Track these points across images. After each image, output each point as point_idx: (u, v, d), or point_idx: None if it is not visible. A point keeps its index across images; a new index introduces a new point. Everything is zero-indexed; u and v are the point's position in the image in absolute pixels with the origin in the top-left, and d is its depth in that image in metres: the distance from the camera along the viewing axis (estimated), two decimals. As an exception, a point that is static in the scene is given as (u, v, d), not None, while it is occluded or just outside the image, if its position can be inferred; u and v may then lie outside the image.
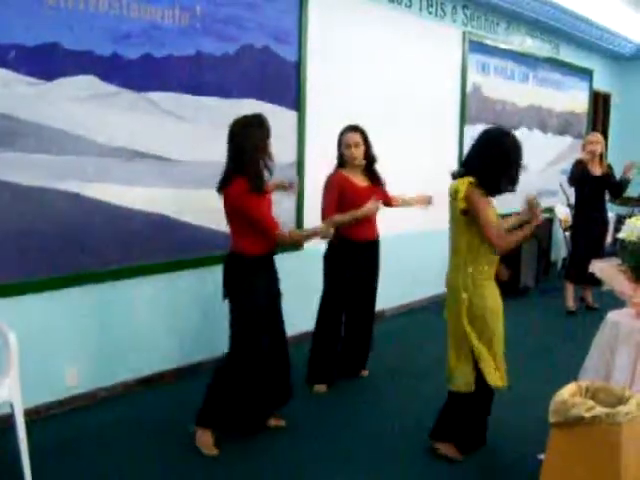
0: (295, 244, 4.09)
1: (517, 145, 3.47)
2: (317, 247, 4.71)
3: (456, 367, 3.58)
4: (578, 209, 6.92)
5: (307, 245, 4.40)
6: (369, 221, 4.62)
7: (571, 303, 7.00)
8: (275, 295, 3.91)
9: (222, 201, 3.70)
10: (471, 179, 3.43)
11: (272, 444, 3.84)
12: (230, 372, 3.78)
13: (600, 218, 6.90)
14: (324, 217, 4.44)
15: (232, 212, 3.69)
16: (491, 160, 3.43)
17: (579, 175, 6.68)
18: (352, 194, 4.50)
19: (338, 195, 4.48)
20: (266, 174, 3.68)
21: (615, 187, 6.82)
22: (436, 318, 4.29)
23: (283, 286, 3.96)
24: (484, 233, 3.39)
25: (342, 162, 4.60)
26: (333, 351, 4.76)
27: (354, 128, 4.54)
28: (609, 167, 6.88)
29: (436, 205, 4.76)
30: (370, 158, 4.59)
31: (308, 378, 4.72)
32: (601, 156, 6.77)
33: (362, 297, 4.77)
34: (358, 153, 4.50)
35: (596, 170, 6.71)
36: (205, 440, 3.74)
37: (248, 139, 3.61)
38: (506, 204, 4.33)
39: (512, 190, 3.56)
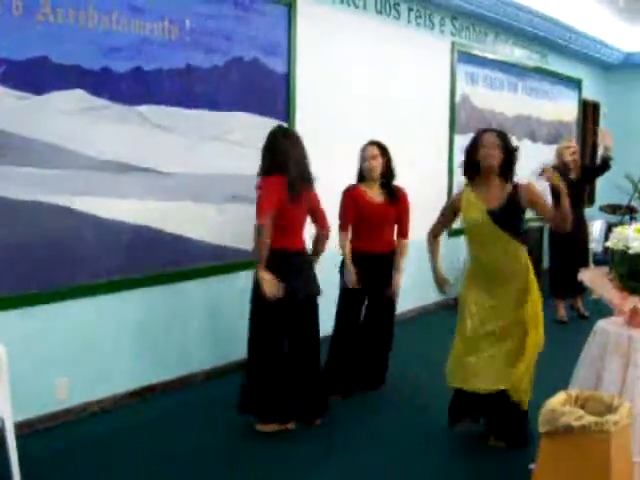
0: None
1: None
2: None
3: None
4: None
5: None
6: (381, 234, 4.67)
7: (562, 313, 7.03)
8: (293, 296, 3.98)
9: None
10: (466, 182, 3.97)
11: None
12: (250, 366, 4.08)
13: (582, 223, 6.95)
14: (341, 230, 4.65)
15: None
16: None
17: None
18: (364, 209, 4.60)
19: (353, 209, 4.60)
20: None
21: (598, 169, 7.03)
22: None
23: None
24: None
25: (361, 176, 4.69)
26: (348, 362, 4.75)
27: (373, 142, 4.66)
28: (582, 166, 7.02)
29: (425, 213, 4.78)
30: (389, 173, 4.64)
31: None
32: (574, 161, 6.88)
33: (377, 309, 4.78)
34: (374, 165, 4.57)
35: (572, 175, 6.77)
36: (272, 428, 4.06)
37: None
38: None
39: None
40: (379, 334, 4.82)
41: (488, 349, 3.81)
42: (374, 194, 4.64)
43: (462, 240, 4.28)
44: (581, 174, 6.93)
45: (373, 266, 4.65)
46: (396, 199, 4.66)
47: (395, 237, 4.77)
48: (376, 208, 4.61)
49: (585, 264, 6.90)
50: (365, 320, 4.79)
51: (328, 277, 4.49)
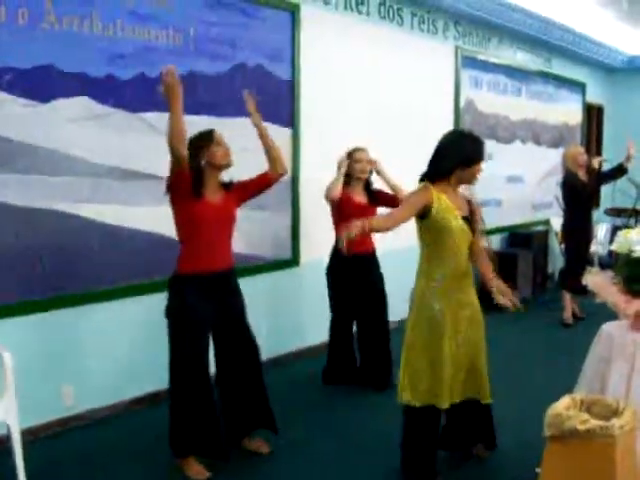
0: None
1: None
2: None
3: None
4: (577, 218, 6.98)
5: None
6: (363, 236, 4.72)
7: (570, 314, 7.05)
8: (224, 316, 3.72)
9: None
10: (425, 183, 3.53)
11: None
12: (171, 395, 3.74)
13: (590, 225, 7.12)
14: (336, 233, 4.64)
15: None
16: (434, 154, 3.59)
17: (580, 184, 6.80)
18: (348, 208, 4.76)
19: (334, 209, 4.87)
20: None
21: (614, 175, 7.21)
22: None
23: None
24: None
25: (346, 179, 4.90)
26: (347, 363, 5.04)
27: (362, 148, 4.95)
28: (592, 170, 7.08)
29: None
30: (369, 180, 4.98)
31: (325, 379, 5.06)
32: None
33: (369, 309, 4.97)
34: (368, 167, 4.91)
35: (585, 178, 6.88)
36: (191, 468, 3.63)
37: None
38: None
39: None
40: (374, 329, 4.99)
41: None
42: (357, 195, 4.91)
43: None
44: (595, 178, 7.03)
45: (363, 266, 4.89)
46: (375, 200, 4.96)
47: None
48: (358, 207, 4.81)
49: (587, 264, 6.99)
50: (358, 320, 5.03)
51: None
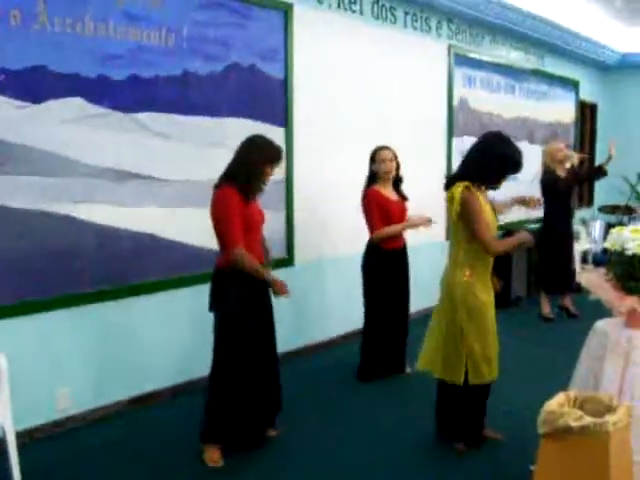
0: (255, 274, 3.76)
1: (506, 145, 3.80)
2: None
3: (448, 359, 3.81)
4: (556, 216, 6.99)
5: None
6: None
7: (548, 310, 7.16)
8: (258, 310, 3.87)
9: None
10: (466, 183, 3.70)
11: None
12: (216, 386, 3.84)
13: (569, 223, 7.20)
14: (372, 232, 4.97)
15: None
16: (482, 159, 3.75)
17: (557, 181, 6.83)
18: (386, 207, 4.99)
19: (378, 209, 4.98)
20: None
21: (591, 176, 7.51)
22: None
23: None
24: (477, 234, 3.64)
25: (374, 178, 5.06)
26: (382, 348, 5.18)
27: (385, 147, 5.04)
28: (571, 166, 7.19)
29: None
30: (398, 175, 5.10)
31: (360, 375, 5.19)
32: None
33: (398, 299, 5.17)
34: (392, 166, 5.00)
35: (563, 174, 6.93)
36: (211, 455, 3.79)
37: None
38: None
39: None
40: (400, 319, 5.21)
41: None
42: (389, 194, 5.06)
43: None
44: (573, 175, 7.06)
45: (397, 260, 5.11)
46: (405, 198, 5.16)
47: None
48: (395, 205, 5.04)
49: (570, 261, 7.04)
50: (390, 310, 5.14)
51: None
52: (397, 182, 5.12)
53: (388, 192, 5.06)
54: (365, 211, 5.05)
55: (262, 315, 3.91)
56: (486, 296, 3.80)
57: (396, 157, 5.05)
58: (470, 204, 3.65)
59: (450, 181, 3.85)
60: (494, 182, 3.82)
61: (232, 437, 3.86)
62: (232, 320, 3.76)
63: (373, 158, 5.04)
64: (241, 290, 3.75)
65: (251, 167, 3.74)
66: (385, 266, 5.06)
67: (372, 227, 5.01)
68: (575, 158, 7.25)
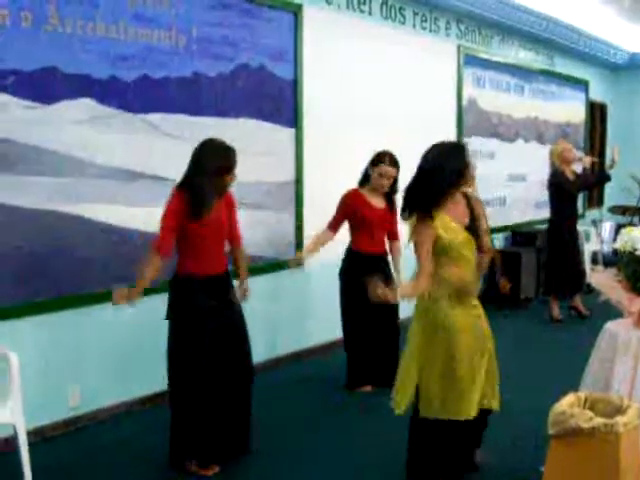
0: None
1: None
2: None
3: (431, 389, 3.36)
4: (563, 218, 6.97)
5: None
6: (377, 237, 4.92)
7: (557, 312, 7.09)
8: (218, 320, 3.62)
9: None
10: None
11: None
12: (171, 399, 3.69)
13: (575, 225, 7.14)
14: (329, 227, 4.88)
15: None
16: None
17: (566, 182, 6.81)
18: (365, 213, 4.81)
19: (347, 213, 4.84)
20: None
21: (595, 182, 7.38)
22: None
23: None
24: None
25: (366, 180, 4.88)
26: (366, 355, 4.94)
27: (394, 162, 4.78)
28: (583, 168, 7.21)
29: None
30: (394, 187, 4.82)
31: (349, 384, 4.99)
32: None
33: (382, 308, 4.69)
34: (388, 184, 4.79)
35: (571, 175, 6.89)
36: (196, 470, 3.62)
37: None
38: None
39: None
40: (389, 329, 4.94)
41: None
42: (375, 200, 4.86)
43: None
44: (582, 179, 7.05)
45: (377, 265, 4.79)
46: (393, 207, 4.86)
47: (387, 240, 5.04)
48: (376, 212, 4.83)
49: (579, 263, 7.02)
50: (371, 319, 4.83)
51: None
52: (390, 193, 4.86)
53: (373, 198, 4.84)
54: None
55: (224, 326, 3.64)
56: (460, 316, 3.32)
57: (398, 171, 4.75)
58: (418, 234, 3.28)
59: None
60: (439, 199, 3.28)
61: (200, 451, 3.63)
62: (184, 330, 3.58)
63: (374, 164, 4.79)
64: (197, 298, 3.58)
65: (205, 180, 3.50)
66: (364, 272, 4.58)
67: (328, 223, 4.87)
68: (587, 161, 7.21)
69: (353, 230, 4.92)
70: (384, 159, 4.76)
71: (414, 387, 3.38)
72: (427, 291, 3.32)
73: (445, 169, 3.28)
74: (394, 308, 4.87)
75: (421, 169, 3.34)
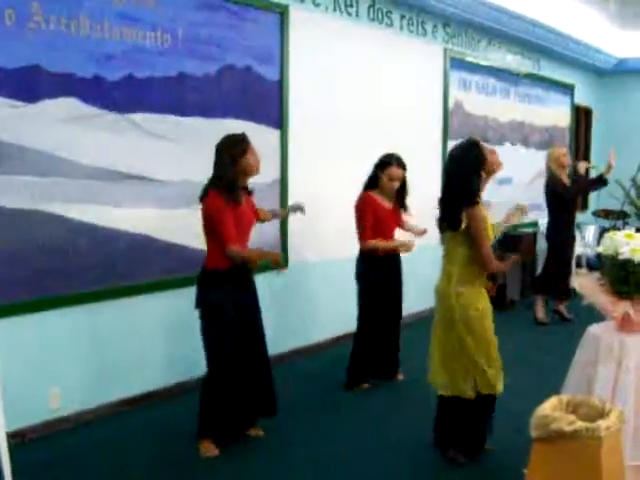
0: (248, 263, 3.97)
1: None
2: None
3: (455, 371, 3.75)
4: (560, 223, 7.00)
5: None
6: (390, 237, 5.04)
7: (542, 314, 7.16)
8: (245, 310, 3.97)
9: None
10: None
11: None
12: (206, 383, 3.96)
13: (573, 229, 7.19)
14: (362, 240, 4.90)
15: (204, 224, 3.90)
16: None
17: (562, 187, 6.83)
18: (379, 214, 4.91)
19: (372, 217, 4.89)
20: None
21: (593, 185, 7.39)
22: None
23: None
24: (479, 250, 3.66)
25: (374, 183, 4.94)
26: (372, 350, 5.07)
27: (402, 164, 4.89)
28: (578, 174, 7.25)
29: (418, 219, 5.11)
30: (404, 189, 4.98)
31: (349, 384, 5.08)
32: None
33: (391, 306, 5.09)
34: (397, 186, 4.90)
35: (567, 180, 6.94)
36: (205, 446, 3.90)
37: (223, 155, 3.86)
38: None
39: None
40: (392, 327, 5.13)
41: None
42: (385, 202, 4.96)
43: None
44: (578, 184, 7.11)
45: (391, 266, 5.02)
46: (402, 207, 5.04)
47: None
48: (389, 213, 4.97)
49: (569, 269, 7.06)
50: (383, 317, 5.04)
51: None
52: (401, 194, 4.98)
53: (383, 200, 4.95)
54: (358, 216, 4.93)
55: (247, 316, 3.99)
56: (483, 303, 3.77)
57: (405, 172, 4.91)
58: (478, 220, 3.63)
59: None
60: (476, 189, 3.75)
61: (221, 432, 3.97)
62: (215, 319, 3.88)
63: (382, 167, 4.87)
64: (224, 291, 3.88)
65: (230, 166, 3.82)
66: (379, 273, 4.95)
67: (362, 234, 4.89)
68: (582, 167, 7.27)
69: (365, 231, 4.93)
70: (390, 162, 4.85)
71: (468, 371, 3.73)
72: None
73: (477, 162, 3.75)
74: (400, 305, 5.16)
75: (455, 166, 3.80)
